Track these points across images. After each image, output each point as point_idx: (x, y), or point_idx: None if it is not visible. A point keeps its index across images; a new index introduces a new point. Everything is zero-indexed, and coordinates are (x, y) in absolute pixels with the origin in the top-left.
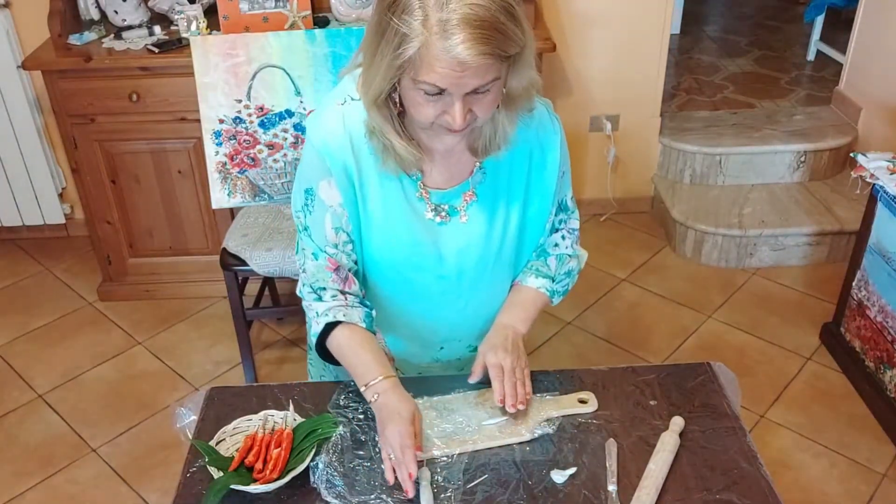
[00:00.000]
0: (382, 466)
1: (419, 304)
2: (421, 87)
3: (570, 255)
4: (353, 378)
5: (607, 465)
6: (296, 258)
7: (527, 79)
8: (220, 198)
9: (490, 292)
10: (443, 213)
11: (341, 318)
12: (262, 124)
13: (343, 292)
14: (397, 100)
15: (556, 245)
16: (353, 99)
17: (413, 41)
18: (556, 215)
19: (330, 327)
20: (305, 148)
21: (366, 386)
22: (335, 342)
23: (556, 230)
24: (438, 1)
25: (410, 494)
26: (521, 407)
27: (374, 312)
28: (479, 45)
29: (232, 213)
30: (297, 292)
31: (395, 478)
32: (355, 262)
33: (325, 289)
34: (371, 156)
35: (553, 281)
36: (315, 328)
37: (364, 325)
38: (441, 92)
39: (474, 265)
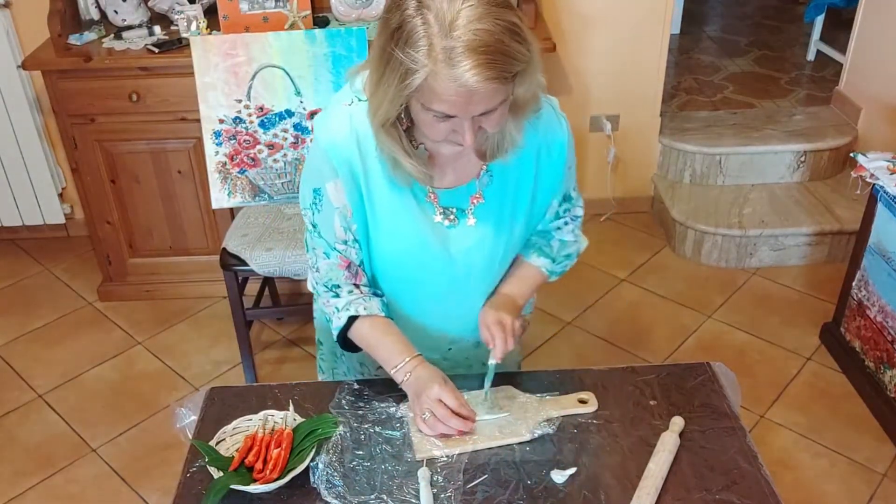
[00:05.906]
0: (412, 437)
1: (428, 304)
2: (429, 111)
3: (572, 241)
4: (378, 364)
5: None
6: (307, 256)
7: (534, 85)
8: (220, 198)
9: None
10: (451, 217)
11: (362, 312)
12: (262, 124)
13: (357, 286)
14: (404, 119)
15: (559, 229)
16: (360, 100)
17: (419, 73)
18: (560, 205)
19: (351, 320)
20: (312, 147)
21: (395, 368)
22: (358, 333)
23: (560, 217)
24: (443, 28)
25: (469, 427)
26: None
27: (385, 299)
28: (486, 72)
29: (232, 213)
30: (311, 288)
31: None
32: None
33: (339, 286)
34: (379, 159)
35: (553, 262)
36: (337, 322)
37: (383, 314)
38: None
39: (482, 264)
